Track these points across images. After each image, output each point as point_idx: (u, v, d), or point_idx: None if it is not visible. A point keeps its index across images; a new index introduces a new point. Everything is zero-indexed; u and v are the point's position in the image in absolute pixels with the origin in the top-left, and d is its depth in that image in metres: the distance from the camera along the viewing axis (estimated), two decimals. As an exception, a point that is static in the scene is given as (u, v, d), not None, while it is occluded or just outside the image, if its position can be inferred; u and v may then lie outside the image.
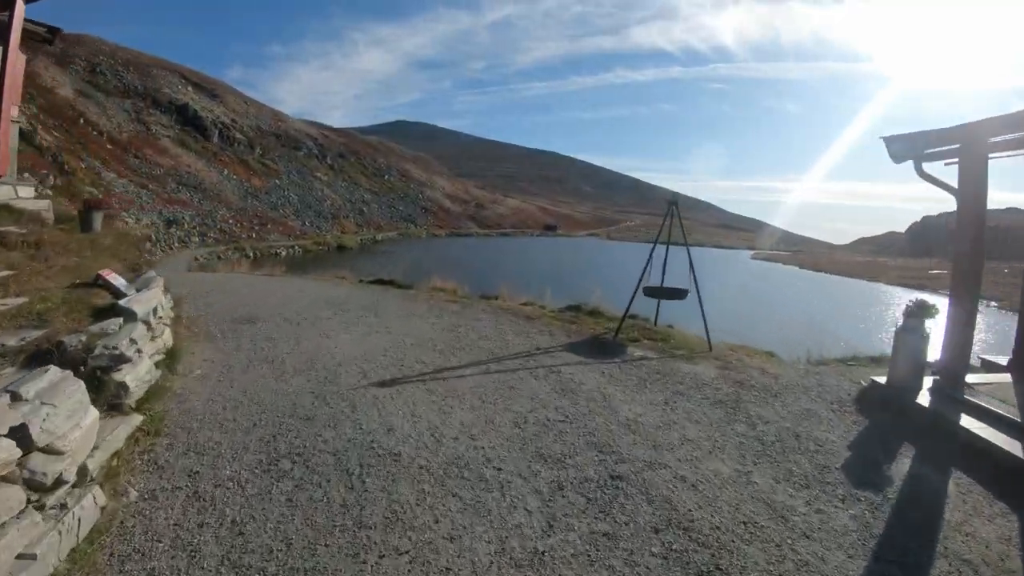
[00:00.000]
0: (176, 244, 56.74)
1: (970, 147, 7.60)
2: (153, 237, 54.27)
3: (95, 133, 70.46)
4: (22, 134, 53.14)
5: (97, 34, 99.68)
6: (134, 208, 58.88)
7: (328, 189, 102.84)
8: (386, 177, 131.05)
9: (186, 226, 61.69)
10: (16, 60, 10.28)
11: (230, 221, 68.91)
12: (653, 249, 10.66)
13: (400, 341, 9.37)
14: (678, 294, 10.79)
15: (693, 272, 10.48)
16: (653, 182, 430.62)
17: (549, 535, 4.26)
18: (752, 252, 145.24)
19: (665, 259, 11.07)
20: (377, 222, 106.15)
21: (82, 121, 70.35)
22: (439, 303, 13.00)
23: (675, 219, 10.63)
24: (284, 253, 66.41)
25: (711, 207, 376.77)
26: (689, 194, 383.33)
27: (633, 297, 10.70)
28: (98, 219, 10.77)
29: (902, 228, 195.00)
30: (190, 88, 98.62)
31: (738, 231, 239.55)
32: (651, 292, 10.86)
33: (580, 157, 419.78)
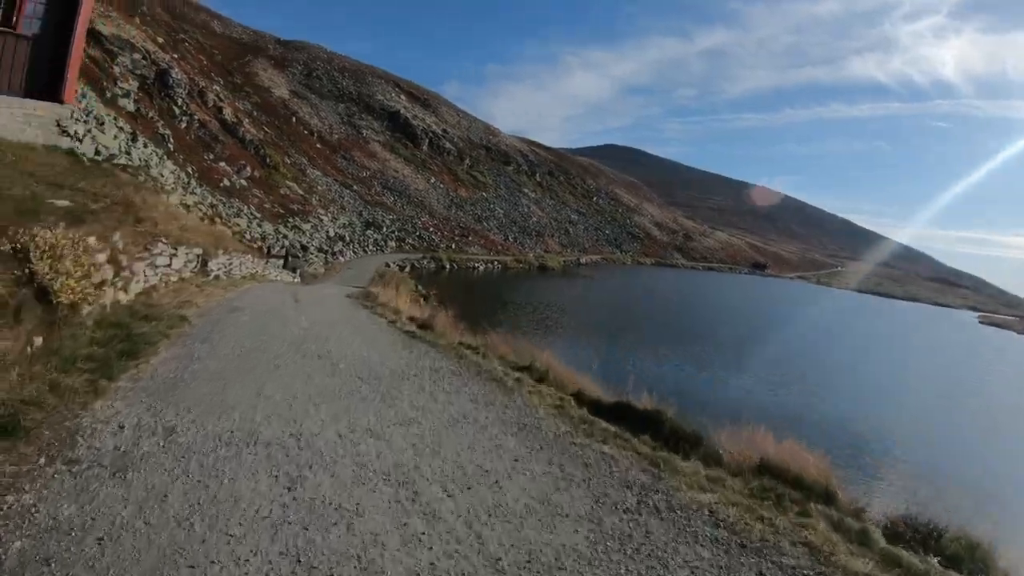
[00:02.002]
0: (371, 247, 50.61)
1: None
2: (347, 237, 47.81)
3: (305, 132, 69.02)
4: (225, 125, 48.30)
5: (318, 43, 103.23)
6: (334, 207, 53.46)
7: (535, 206, 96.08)
8: (595, 199, 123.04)
9: (384, 230, 55.69)
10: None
11: (431, 229, 62.57)
12: None
13: None
14: None
15: None
16: (864, 224, 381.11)
17: None
18: (978, 315, 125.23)
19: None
20: (582, 244, 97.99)
21: (294, 120, 69.46)
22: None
23: None
24: (482, 268, 60.17)
25: (924, 257, 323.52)
26: (903, 241, 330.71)
27: None
28: None
29: None
30: (403, 96, 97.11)
31: (955, 287, 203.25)
32: None
33: (789, 193, 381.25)
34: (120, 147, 27.49)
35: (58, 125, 11.49)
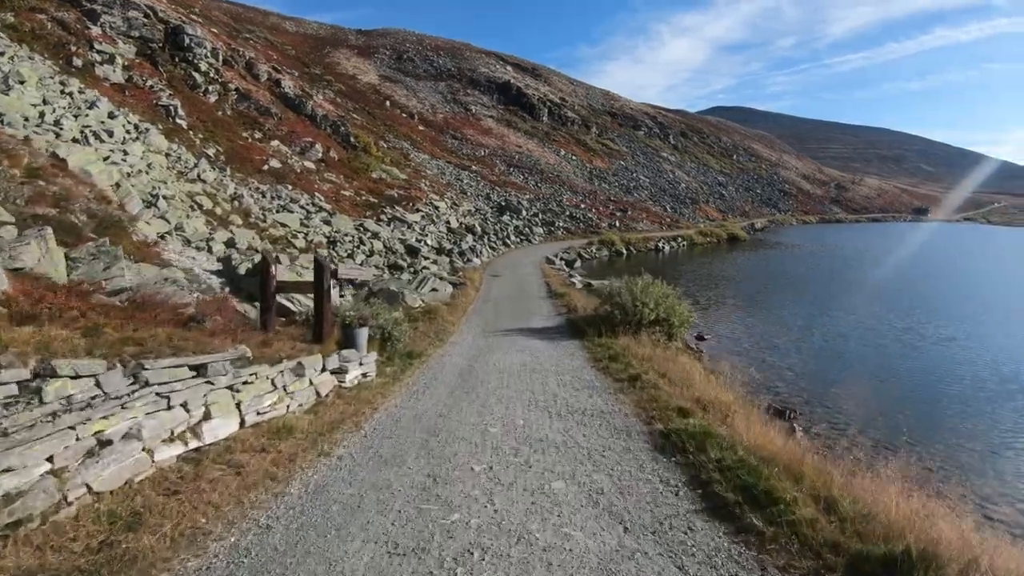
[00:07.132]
0: (512, 237, 31.83)
1: None
2: (477, 228, 29.07)
3: (404, 115, 53.93)
4: (286, 99, 29.75)
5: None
6: (452, 191, 35.13)
7: (679, 170, 77.55)
8: (734, 157, 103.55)
9: (524, 213, 36.79)
10: None
11: (581, 207, 43.63)
12: None
13: None
14: None
15: None
16: (1001, 157, 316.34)
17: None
18: None
19: None
20: (740, 207, 79.02)
21: (388, 104, 54.51)
22: None
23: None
24: (666, 248, 41.74)
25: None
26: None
27: None
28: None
29: None
30: (509, 68, 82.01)
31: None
32: None
33: (912, 132, 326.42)
34: (47, 116, 15.03)
35: None
